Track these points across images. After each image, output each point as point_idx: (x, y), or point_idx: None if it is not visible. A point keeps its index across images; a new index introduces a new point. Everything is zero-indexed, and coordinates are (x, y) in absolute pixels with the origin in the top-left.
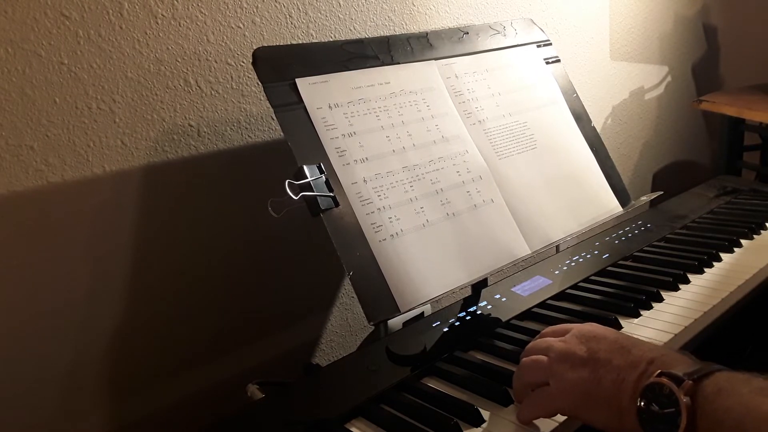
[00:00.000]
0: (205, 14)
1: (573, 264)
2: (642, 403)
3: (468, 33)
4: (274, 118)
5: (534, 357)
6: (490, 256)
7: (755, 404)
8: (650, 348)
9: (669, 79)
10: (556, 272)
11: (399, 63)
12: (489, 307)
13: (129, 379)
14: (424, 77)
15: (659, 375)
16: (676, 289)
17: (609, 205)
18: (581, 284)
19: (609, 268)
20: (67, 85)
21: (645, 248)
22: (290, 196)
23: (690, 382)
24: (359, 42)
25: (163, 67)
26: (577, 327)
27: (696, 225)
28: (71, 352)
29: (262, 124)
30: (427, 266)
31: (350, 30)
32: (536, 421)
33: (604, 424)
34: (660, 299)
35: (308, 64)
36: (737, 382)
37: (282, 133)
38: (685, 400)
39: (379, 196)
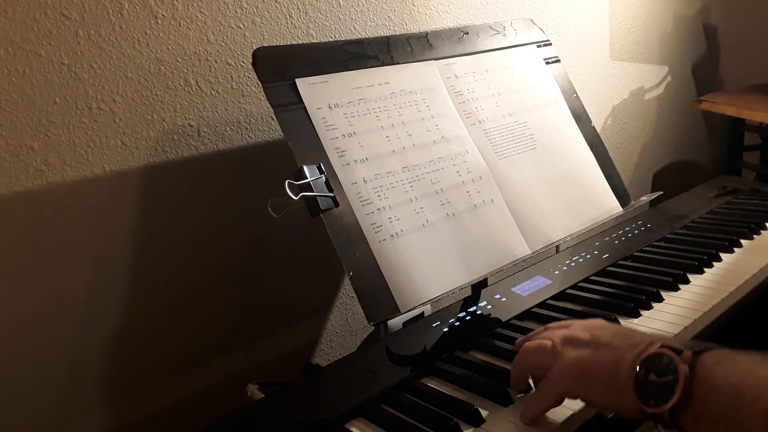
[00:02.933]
0: (205, 14)
1: (573, 264)
2: (641, 372)
3: (468, 33)
4: (274, 118)
5: (538, 341)
6: (490, 256)
7: (752, 370)
8: (652, 335)
9: (669, 79)
10: (556, 272)
11: (399, 63)
12: (489, 307)
13: (129, 379)
14: (424, 77)
15: (660, 347)
16: (676, 289)
17: (609, 205)
18: (581, 284)
19: (609, 268)
20: (67, 85)
21: (645, 248)
22: (290, 196)
23: (690, 352)
24: (359, 42)
25: (163, 67)
26: (580, 320)
27: (696, 225)
28: (71, 352)
29: (262, 124)
30: (427, 266)
31: (350, 30)
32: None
33: (601, 400)
34: (660, 299)
35: (308, 64)
36: (736, 355)
37: (282, 133)
38: (684, 369)
39: (379, 196)
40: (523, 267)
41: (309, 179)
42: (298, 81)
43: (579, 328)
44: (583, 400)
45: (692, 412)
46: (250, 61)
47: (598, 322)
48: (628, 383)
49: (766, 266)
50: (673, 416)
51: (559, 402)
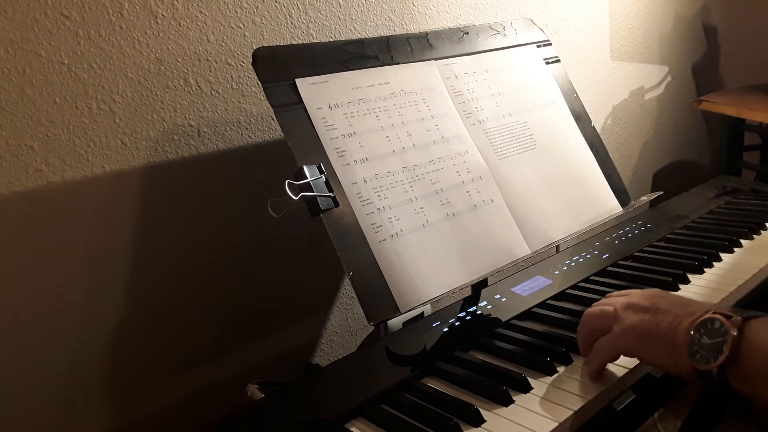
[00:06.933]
0: (205, 14)
1: (573, 264)
2: (695, 335)
3: (468, 33)
4: (274, 118)
5: (600, 307)
6: (490, 256)
7: None
8: (708, 304)
9: (669, 79)
10: (556, 272)
11: (399, 63)
12: (489, 307)
13: (129, 379)
14: (424, 77)
15: (713, 313)
16: (676, 289)
17: (609, 205)
18: (581, 284)
19: (609, 268)
20: (67, 85)
21: (645, 248)
22: (290, 196)
23: (739, 318)
24: (359, 42)
25: (163, 67)
26: (638, 290)
27: (696, 225)
28: (71, 353)
29: (262, 124)
30: (427, 266)
31: (350, 30)
32: (537, 419)
33: (657, 360)
34: None
35: (308, 64)
36: None
37: (282, 133)
38: (732, 331)
39: (378, 196)
40: (523, 267)
41: (309, 179)
42: (298, 81)
43: (638, 296)
44: (640, 359)
45: (739, 369)
46: (250, 61)
47: (656, 291)
48: (683, 345)
49: (766, 266)
50: (722, 373)
51: (617, 358)
